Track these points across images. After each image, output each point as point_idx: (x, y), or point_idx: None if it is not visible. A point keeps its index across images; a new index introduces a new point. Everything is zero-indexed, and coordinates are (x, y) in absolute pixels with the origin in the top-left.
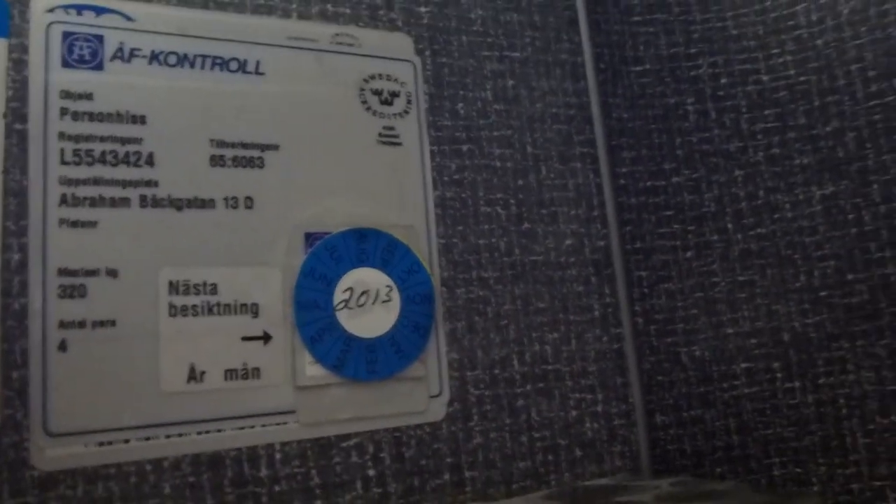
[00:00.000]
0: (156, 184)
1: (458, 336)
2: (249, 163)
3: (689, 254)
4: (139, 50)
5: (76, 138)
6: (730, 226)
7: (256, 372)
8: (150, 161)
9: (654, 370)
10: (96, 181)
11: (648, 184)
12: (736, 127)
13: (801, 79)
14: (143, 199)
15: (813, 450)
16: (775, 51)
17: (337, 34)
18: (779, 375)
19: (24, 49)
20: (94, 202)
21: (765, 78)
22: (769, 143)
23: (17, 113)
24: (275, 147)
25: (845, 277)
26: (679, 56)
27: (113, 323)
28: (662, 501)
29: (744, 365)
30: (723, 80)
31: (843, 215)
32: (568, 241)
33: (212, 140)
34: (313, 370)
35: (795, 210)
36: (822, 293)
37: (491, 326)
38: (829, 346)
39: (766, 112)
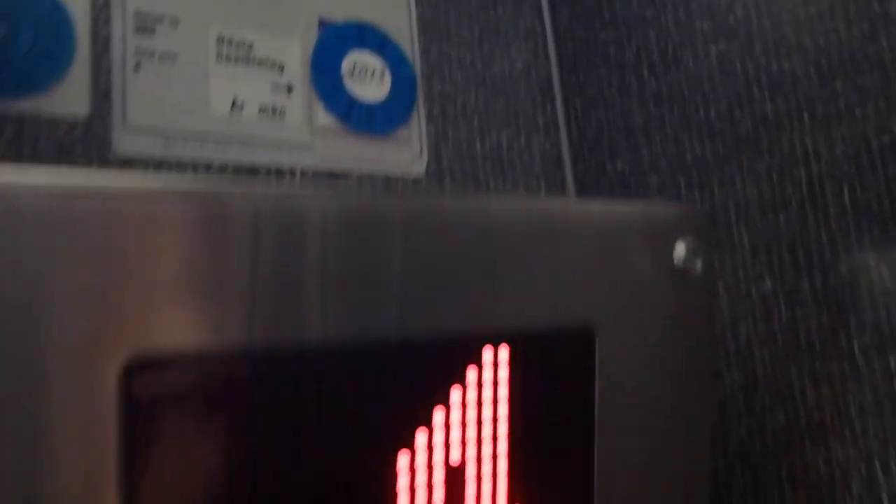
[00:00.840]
0: None
1: (434, 117)
2: None
3: (613, 91)
4: None
5: None
6: (645, 73)
7: (283, 112)
8: None
9: (585, 176)
10: None
11: (583, 35)
12: None
13: None
14: None
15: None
16: None
17: None
18: (683, 188)
19: None
20: None
21: None
22: (676, 11)
23: None
24: None
25: (734, 114)
26: None
27: (175, 57)
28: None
29: (655, 178)
30: None
31: (733, 66)
32: (519, 65)
33: None
34: (326, 119)
35: (696, 62)
36: (717, 125)
37: (460, 115)
38: (722, 166)
39: None
